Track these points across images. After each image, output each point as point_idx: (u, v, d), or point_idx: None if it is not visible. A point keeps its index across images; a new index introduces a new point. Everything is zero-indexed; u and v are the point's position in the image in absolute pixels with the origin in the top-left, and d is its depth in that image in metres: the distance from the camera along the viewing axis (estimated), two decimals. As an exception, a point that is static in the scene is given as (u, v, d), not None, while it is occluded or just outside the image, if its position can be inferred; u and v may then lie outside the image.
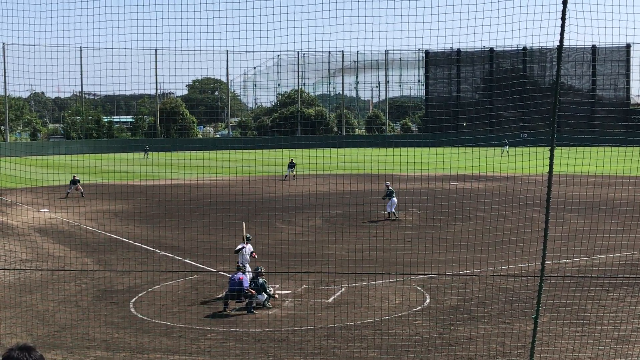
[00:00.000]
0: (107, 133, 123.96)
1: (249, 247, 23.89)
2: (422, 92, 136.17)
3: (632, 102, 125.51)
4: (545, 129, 14.10)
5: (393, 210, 38.28)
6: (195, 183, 52.44)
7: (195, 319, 20.03)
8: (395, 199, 38.26)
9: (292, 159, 59.86)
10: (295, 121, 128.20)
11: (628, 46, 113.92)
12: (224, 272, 24.44)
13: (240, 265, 22.16)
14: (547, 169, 13.51)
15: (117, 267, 27.03)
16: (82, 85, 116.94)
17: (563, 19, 12.63)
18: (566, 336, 17.61)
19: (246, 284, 21.11)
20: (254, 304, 21.06)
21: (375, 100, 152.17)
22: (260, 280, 21.49)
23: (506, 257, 24.93)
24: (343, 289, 23.17)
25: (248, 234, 24.61)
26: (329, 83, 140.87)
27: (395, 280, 23.97)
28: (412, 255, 25.26)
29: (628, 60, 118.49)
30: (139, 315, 20.62)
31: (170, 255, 29.25)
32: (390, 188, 38.73)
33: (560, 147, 14.95)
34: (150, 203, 44.38)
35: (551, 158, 13.30)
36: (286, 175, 58.97)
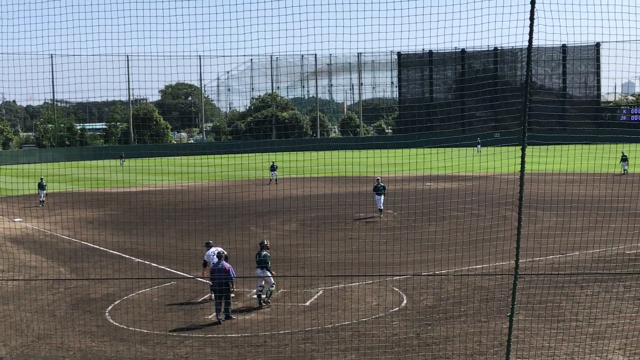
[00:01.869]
0: (80, 140, 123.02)
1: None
2: (396, 94, 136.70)
3: (602, 100, 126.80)
4: (517, 128, 14.24)
5: (381, 207, 39.09)
6: (169, 189, 52.26)
7: (172, 326, 19.94)
8: (381, 196, 39.07)
9: (273, 162, 59.86)
10: (270, 125, 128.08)
11: (597, 45, 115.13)
12: (200, 278, 24.36)
13: (221, 252, 21.79)
14: (519, 167, 13.64)
15: (92, 275, 26.83)
16: (53, 92, 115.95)
17: (532, 18, 12.78)
18: (542, 333, 17.76)
19: (233, 273, 20.86)
20: (260, 295, 21.56)
21: (349, 102, 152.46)
22: (264, 253, 21.94)
23: (481, 256, 25.09)
24: (320, 292, 23.18)
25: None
26: (303, 86, 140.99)
27: (372, 281, 24.04)
28: (387, 256, 25.35)
29: (598, 59, 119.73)
30: (115, 324, 20.49)
31: (145, 262, 29.11)
32: (380, 184, 39.37)
33: (531, 146, 15.09)
34: (124, 210, 44.13)
35: (523, 157, 13.43)
36: (271, 179, 59.25)
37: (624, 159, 58.65)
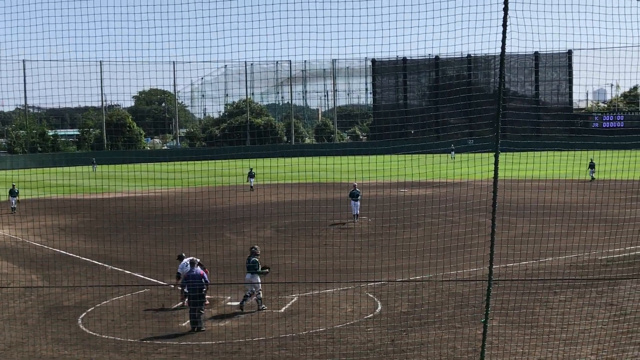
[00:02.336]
0: (53, 147, 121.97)
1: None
2: (370, 100, 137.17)
3: (574, 107, 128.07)
4: (491, 134, 14.32)
5: (357, 212, 39.56)
6: (143, 195, 51.90)
7: (145, 333, 19.77)
8: (357, 202, 39.52)
9: (251, 169, 59.60)
10: (244, 131, 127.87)
11: (569, 52, 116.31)
12: (174, 285, 24.19)
13: (194, 259, 21.78)
14: (492, 174, 13.70)
15: (64, 282, 26.55)
16: (25, 98, 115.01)
17: (504, 25, 12.86)
18: (516, 339, 17.84)
19: (207, 279, 20.79)
20: (245, 299, 21.78)
21: (323, 109, 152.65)
22: (253, 258, 22.20)
23: (455, 262, 25.20)
24: (295, 299, 23.13)
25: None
26: (277, 92, 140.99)
27: (346, 288, 24.02)
28: (362, 262, 25.35)
29: (570, 66, 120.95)
30: (88, 331, 20.28)
31: (119, 269, 28.87)
32: (356, 189, 39.62)
33: (505, 153, 15.18)
34: (97, 217, 43.78)
35: (496, 163, 13.50)
36: (251, 186, 58.91)
37: (592, 165, 58.96)
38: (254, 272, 22.12)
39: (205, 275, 20.91)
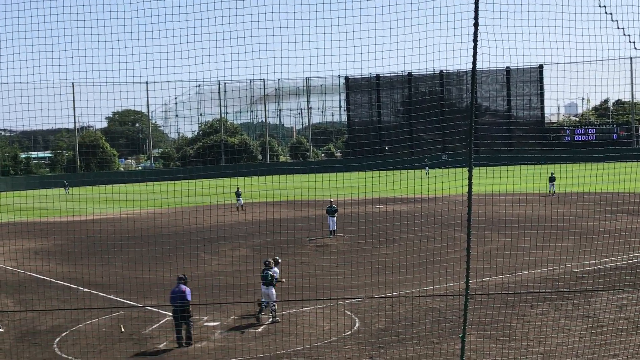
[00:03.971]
0: (25, 169, 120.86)
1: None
2: (344, 118, 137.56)
3: (546, 121, 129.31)
4: (464, 149, 14.36)
5: (334, 229, 39.89)
6: (117, 217, 51.52)
7: (121, 357, 19.53)
8: (334, 218, 39.93)
9: (238, 188, 58.84)
10: (219, 150, 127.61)
11: (540, 67, 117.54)
12: (149, 306, 23.96)
13: (181, 275, 21.68)
14: (466, 189, 13.73)
15: (38, 306, 26.18)
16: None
17: (475, 41, 12.94)
18: (493, 353, 17.84)
19: (189, 297, 20.73)
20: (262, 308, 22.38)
21: (298, 126, 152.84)
22: (266, 271, 22.85)
23: (432, 278, 25.20)
24: (272, 318, 22.97)
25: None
26: (252, 111, 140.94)
27: (324, 305, 23.93)
28: (339, 280, 25.29)
29: (541, 80, 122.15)
30: (64, 356, 20.00)
31: (93, 292, 28.55)
32: (333, 206, 39.75)
33: (478, 167, 15.23)
34: (71, 239, 43.31)
35: (470, 178, 13.53)
36: (238, 206, 58.01)
37: (552, 179, 59.09)
38: (269, 284, 22.72)
39: (187, 292, 20.85)
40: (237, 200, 58.39)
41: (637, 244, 29.02)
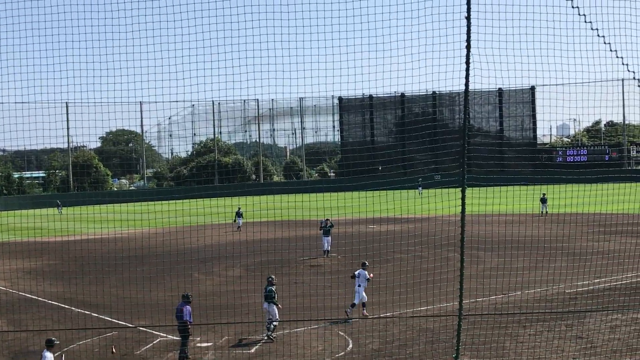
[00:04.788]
0: (18, 189, 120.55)
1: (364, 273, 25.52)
2: (338, 138, 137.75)
3: (538, 142, 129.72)
4: (457, 170, 14.46)
5: (328, 248, 39.90)
6: (110, 237, 51.43)
7: (113, 377, 19.44)
8: (329, 237, 40.06)
9: (239, 207, 58.48)
10: (213, 170, 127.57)
11: (532, 88, 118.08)
12: (142, 327, 23.91)
13: (185, 294, 21.86)
14: (460, 209, 13.82)
15: (30, 327, 26.09)
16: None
17: (467, 62, 13.08)
18: (486, 374, 17.84)
19: (186, 316, 20.90)
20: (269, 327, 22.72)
21: (291, 146, 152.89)
22: (269, 287, 23.31)
23: (425, 298, 25.25)
24: (265, 338, 22.95)
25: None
26: (245, 131, 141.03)
27: (317, 326, 23.90)
28: (332, 300, 25.28)
29: (533, 102, 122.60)
30: (55, 376, 19.88)
31: (86, 312, 28.45)
32: (328, 225, 39.80)
33: (471, 188, 15.32)
34: (64, 259, 43.20)
35: (463, 198, 13.63)
36: (239, 226, 57.63)
37: (544, 200, 59.15)
38: (271, 301, 23.14)
39: (185, 310, 20.99)
40: (237, 220, 57.94)
41: (629, 264, 29.13)
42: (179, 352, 20.85)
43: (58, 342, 18.65)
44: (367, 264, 26.57)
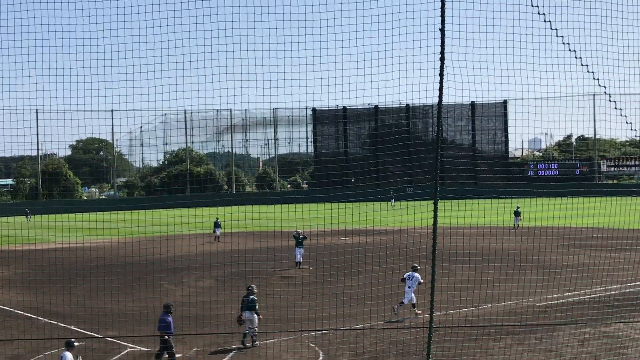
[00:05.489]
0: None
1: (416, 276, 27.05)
2: (311, 149, 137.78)
3: (510, 155, 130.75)
4: (429, 182, 14.44)
5: (300, 260, 39.95)
6: (79, 246, 50.87)
7: (79, 389, 19.13)
8: (301, 249, 40.01)
9: (217, 218, 58.01)
10: (184, 179, 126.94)
11: (505, 102, 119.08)
12: (110, 337, 23.58)
13: (166, 303, 22.08)
14: (432, 221, 13.77)
15: (-5, 337, 25.64)
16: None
17: (441, 75, 13.06)
18: (457, 387, 17.79)
19: (159, 325, 21.11)
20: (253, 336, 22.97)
21: (264, 157, 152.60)
22: (251, 297, 23.64)
23: (396, 310, 25.18)
24: (235, 350, 22.75)
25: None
26: (218, 141, 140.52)
27: (287, 338, 23.74)
28: (303, 311, 25.14)
29: (505, 115, 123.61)
30: (19, 388, 19.55)
31: (53, 322, 28.03)
32: (300, 236, 39.71)
33: (444, 200, 15.30)
34: (31, 268, 42.60)
35: (435, 211, 13.58)
36: (217, 236, 57.03)
37: (517, 213, 59.53)
38: (254, 310, 23.44)
39: (162, 320, 21.16)
40: (215, 230, 57.49)
41: (599, 278, 29.30)
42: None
43: (78, 344, 18.90)
44: (418, 267, 27.76)
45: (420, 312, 26.92)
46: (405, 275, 27.43)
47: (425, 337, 15.70)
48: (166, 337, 20.74)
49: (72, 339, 18.38)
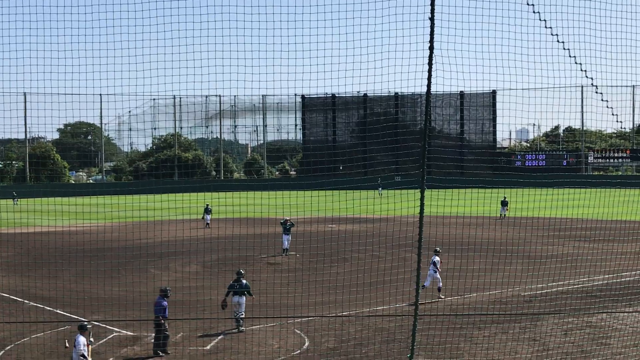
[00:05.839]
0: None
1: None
2: (300, 136, 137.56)
3: (498, 145, 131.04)
4: (417, 171, 14.50)
5: (287, 247, 40.05)
6: (66, 230, 50.73)
7: (64, 372, 19.17)
8: (288, 236, 40.17)
9: (207, 204, 57.95)
10: (172, 164, 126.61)
11: (494, 92, 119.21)
12: (96, 321, 23.59)
13: (162, 287, 22.11)
14: (418, 210, 13.84)
15: (-20, 319, 25.59)
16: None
17: (430, 64, 13.10)
18: (440, 374, 17.92)
19: (155, 309, 21.15)
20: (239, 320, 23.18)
21: (253, 144, 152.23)
22: (244, 281, 24.01)
23: (382, 297, 25.32)
24: (221, 336, 22.82)
25: None
26: (206, 126, 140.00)
27: (273, 324, 23.83)
28: (289, 298, 25.22)
29: (494, 105, 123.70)
30: (4, 370, 19.58)
31: (39, 305, 28.00)
32: (288, 223, 39.81)
33: (430, 189, 15.36)
34: (17, 251, 42.51)
35: (422, 199, 13.65)
36: (207, 223, 57.37)
37: (504, 203, 59.80)
38: (247, 293, 23.76)
39: (158, 304, 21.17)
40: (206, 216, 57.55)
41: (583, 269, 29.53)
42: (153, 346, 21.03)
43: (90, 327, 18.92)
44: (439, 250, 29.14)
45: (443, 296, 27.91)
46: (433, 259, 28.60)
47: (410, 325, 15.80)
48: (162, 320, 20.76)
49: (85, 322, 18.51)
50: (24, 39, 17.86)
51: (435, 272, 28.10)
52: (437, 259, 28.49)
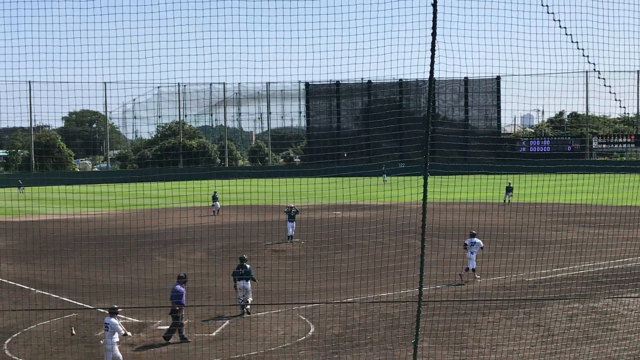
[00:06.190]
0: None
1: None
2: (304, 123, 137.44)
3: (502, 131, 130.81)
4: (420, 158, 14.52)
5: (292, 234, 40.24)
6: (72, 218, 50.88)
7: (72, 359, 19.30)
8: (293, 223, 40.38)
9: (215, 192, 58.11)
10: (177, 152, 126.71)
11: (498, 78, 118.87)
12: (102, 309, 23.72)
13: (181, 274, 22.33)
14: (422, 196, 13.87)
15: (-12, 307, 25.77)
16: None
17: (433, 50, 13.08)
18: None
19: (172, 294, 21.28)
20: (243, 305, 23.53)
21: (257, 131, 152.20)
22: (249, 266, 24.35)
23: (386, 284, 25.40)
24: (227, 322, 22.95)
25: None
26: (211, 114, 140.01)
27: (279, 310, 23.94)
28: (294, 285, 25.33)
29: (498, 91, 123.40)
30: (14, 357, 19.73)
31: (45, 293, 28.17)
32: (293, 210, 39.91)
33: (434, 176, 15.40)
34: (24, 239, 42.69)
35: (425, 186, 13.67)
36: (214, 210, 57.35)
37: (509, 189, 59.81)
38: (250, 278, 24.02)
39: (175, 290, 21.30)
40: (215, 203, 57.71)
41: (587, 254, 29.56)
42: (166, 332, 21.18)
43: (121, 310, 19.54)
44: (476, 232, 29.38)
45: (479, 277, 28.49)
46: (466, 242, 28.92)
47: (414, 311, 15.86)
48: (177, 307, 20.84)
49: (116, 306, 18.83)
50: (28, 27, 17.90)
51: (473, 253, 28.45)
52: (478, 241, 28.80)
